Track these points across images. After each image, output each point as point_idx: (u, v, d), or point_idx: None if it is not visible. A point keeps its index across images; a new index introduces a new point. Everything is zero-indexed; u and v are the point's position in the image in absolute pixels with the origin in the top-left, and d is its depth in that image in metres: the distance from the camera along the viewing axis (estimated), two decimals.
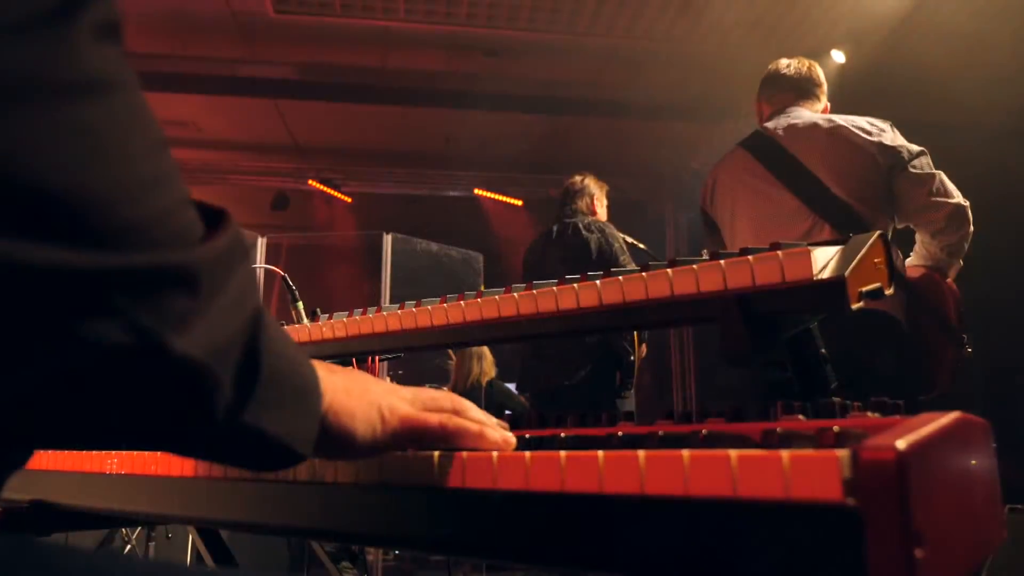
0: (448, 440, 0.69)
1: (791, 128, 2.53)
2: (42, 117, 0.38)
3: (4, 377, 0.40)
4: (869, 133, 2.40)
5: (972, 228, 2.38)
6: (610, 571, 0.55)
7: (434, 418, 0.69)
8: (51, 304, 0.39)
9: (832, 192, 2.37)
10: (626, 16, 5.74)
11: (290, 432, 0.54)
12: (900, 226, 2.48)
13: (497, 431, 0.71)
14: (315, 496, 0.77)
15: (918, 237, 2.46)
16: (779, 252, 0.79)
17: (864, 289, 0.80)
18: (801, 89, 2.68)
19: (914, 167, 2.36)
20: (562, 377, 3.49)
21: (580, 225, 3.68)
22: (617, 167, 7.76)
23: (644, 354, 3.87)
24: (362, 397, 0.64)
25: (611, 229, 3.66)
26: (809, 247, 0.80)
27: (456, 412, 0.71)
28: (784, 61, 2.76)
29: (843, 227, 2.29)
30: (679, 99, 6.42)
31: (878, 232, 0.87)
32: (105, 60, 0.41)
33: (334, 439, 0.61)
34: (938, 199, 2.34)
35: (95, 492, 1.09)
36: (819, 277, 0.77)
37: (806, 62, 2.74)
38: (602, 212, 3.88)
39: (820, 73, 2.74)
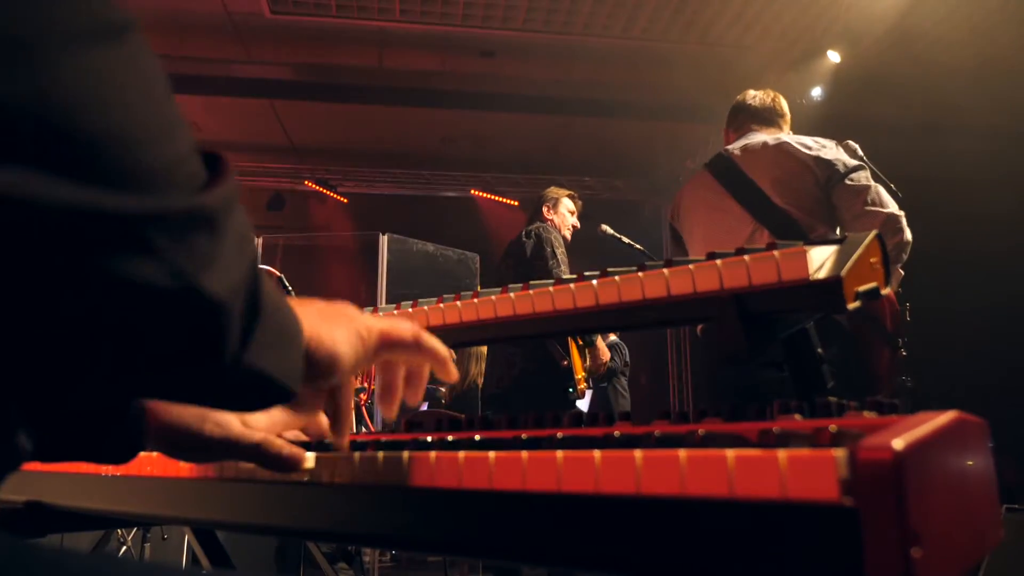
0: (420, 350, 0.75)
1: (745, 148, 2.78)
2: (70, 62, 0.39)
3: (46, 321, 0.40)
4: (809, 148, 2.62)
5: (909, 237, 2.51)
6: (607, 571, 0.55)
7: (407, 331, 0.74)
8: (94, 246, 0.39)
9: (772, 201, 2.61)
10: (622, 17, 5.75)
11: (283, 370, 0.55)
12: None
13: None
14: (311, 496, 0.77)
15: None
16: (776, 252, 0.79)
17: (860, 289, 0.80)
18: (763, 118, 2.92)
19: (851, 179, 2.55)
20: (505, 382, 3.59)
21: (523, 233, 3.81)
22: (613, 167, 7.78)
23: (605, 356, 3.82)
24: (338, 320, 0.68)
25: (550, 235, 3.72)
26: (805, 247, 0.80)
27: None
28: (751, 92, 3.00)
29: (781, 232, 2.54)
30: (675, 99, 6.43)
31: (875, 232, 0.87)
32: (115, 4, 0.42)
33: (321, 364, 0.64)
34: (873, 208, 2.51)
35: (90, 493, 1.09)
36: (815, 277, 0.77)
37: (771, 93, 2.98)
38: (557, 217, 3.94)
39: (784, 104, 2.98)
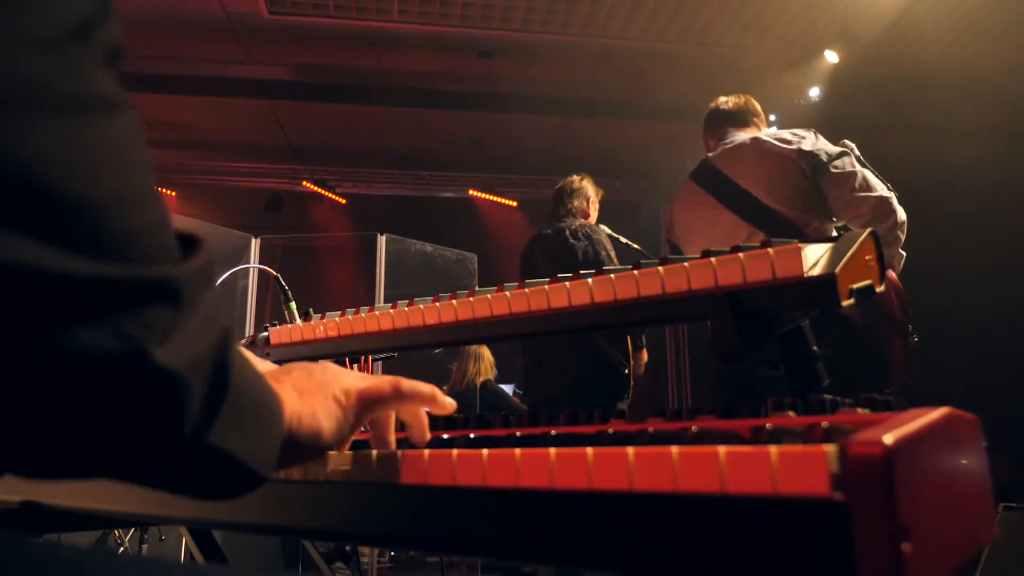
0: (403, 399, 0.72)
1: (723, 151, 2.76)
2: (58, 128, 0.40)
3: None
4: (789, 142, 2.58)
5: (903, 217, 2.49)
6: (600, 567, 0.55)
7: (386, 383, 0.72)
8: (40, 307, 0.39)
9: (763, 202, 2.57)
10: (621, 17, 5.75)
11: (254, 453, 0.53)
12: (839, 225, 2.63)
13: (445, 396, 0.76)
14: (307, 495, 0.77)
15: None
16: (770, 250, 0.79)
17: (855, 286, 0.80)
18: (738, 119, 2.92)
19: (835, 167, 2.51)
20: (559, 387, 3.46)
21: (567, 231, 3.61)
22: (611, 168, 7.78)
23: (646, 359, 3.80)
24: (317, 392, 0.66)
25: (600, 235, 3.59)
26: (800, 244, 0.80)
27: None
28: (722, 99, 3.01)
29: (776, 232, 2.44)
30: (673, 100, 6.43)
31: (869, 229, 0.87)
32: (113, 81, 0.44)
33: (303, 445, 0.62)
34: (861, 194, 2.48)
35: (87, 493, 1.09)
36: (809, 274, 0.77)
37: (743, 96, 2.99)
38: (594, 216, 3.84)
39: (757, 105, 2.99)
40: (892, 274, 2.53)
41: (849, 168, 2.51)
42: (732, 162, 2.70)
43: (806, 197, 2.55)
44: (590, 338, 3.42)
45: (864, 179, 2.49)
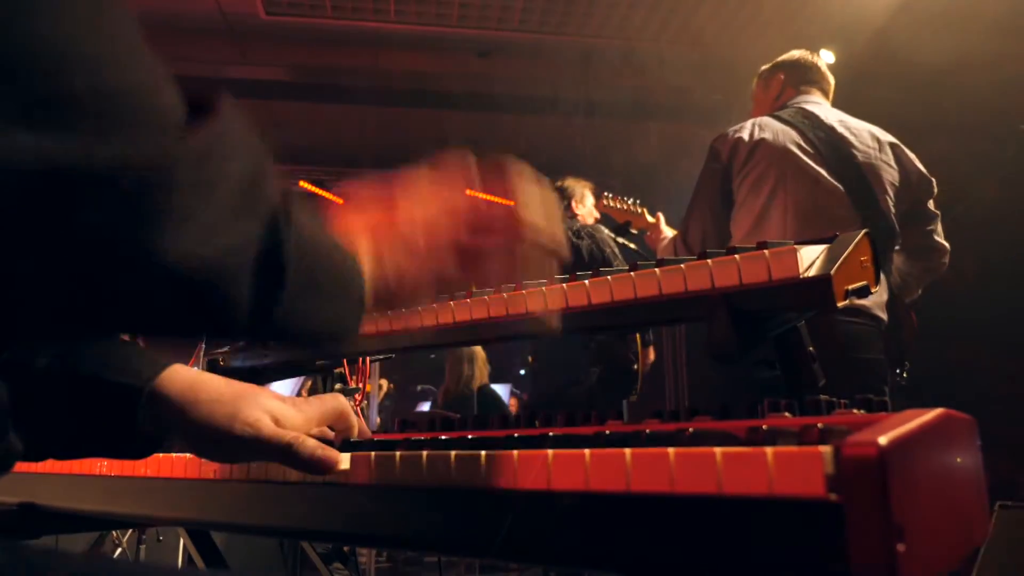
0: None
1: (847, 126, 2.42)
2: None
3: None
4: (913, 160, 2.42)
5: None
6: (597, 568, 0.55)
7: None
8: (12, 192, 0.33)
9: (881, 208, 2.29)
10: (617, 17, 5.75)
11: (332, 319, 0.54)
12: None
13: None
14: (303, 496, 0.77)
15: (899, 264, 2.47)
16: (766, 251, 0.80)
17: (850, 287, 0.80)
18: (824, 87, 2.71)
19: (930, 204, 2.42)
20: (569, 383, 3.47)
21: (570, 231, 3.62)
22: (609, 167, 7.78)
23: (652, 358, 3.80)
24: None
25: (601, 233, 3.61)
26: (796, 245, 0.80)
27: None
28: (815, 56, 2.76)
29: (881, 248, 2.25)
30: (670, 99, 6.44)
31: (864, 231, 0.88)
32: None
33: (390, 298, 0.65)
34: (940, 240, 2.41)
35: (85, 494, 1.09)
36: (805, 275, 0.77)
37: (821, 59, 2.78)
38: (584, 211, 3.85)
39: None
40: (912, 313, 2.49)
41: (935, 209, 2.37)
42: (861, 148, 2.37)
43: (900, 222, 2.34)
44: (600, 336, 3.44)
45: (940, 225, 2.38)
